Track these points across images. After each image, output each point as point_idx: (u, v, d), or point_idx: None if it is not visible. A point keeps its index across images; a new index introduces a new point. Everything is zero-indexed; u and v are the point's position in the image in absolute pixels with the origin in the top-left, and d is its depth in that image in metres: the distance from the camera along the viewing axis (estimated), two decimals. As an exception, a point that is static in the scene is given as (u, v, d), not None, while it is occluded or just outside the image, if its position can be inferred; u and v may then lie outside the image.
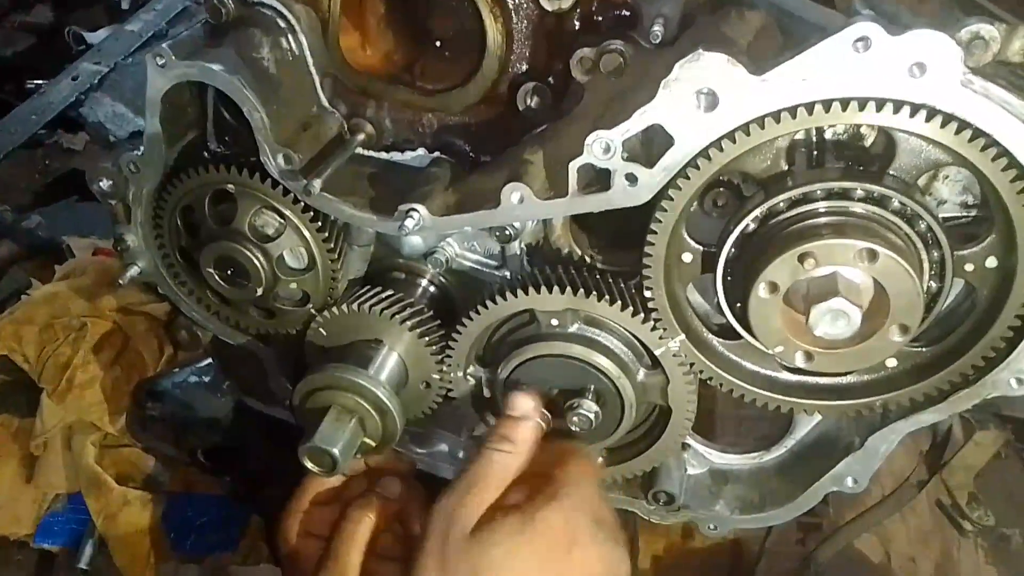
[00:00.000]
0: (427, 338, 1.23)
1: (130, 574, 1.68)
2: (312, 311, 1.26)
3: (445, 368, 1.25)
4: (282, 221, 1.20)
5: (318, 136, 1.16)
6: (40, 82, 2.69)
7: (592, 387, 1.17)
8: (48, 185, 2.65)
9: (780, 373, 1.15)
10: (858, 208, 0.96)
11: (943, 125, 0.89)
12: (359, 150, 1.20)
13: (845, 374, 1.12)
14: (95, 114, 2.40)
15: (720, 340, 1.15)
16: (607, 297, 1.11)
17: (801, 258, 0.94)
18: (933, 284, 1.01)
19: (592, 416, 1.16)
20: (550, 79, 1.11)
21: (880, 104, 0.88)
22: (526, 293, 1.13)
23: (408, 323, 1.22)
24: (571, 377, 1.18)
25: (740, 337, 1.09)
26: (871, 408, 1.12)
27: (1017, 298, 0.99)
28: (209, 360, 1.65)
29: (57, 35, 3.03)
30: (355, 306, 1.22)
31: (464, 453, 1.39)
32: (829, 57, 0.86)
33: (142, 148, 1.18)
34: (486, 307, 1.16)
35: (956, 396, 1.09)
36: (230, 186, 1.17)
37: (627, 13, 1.05)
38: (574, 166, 1.00)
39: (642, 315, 1.11)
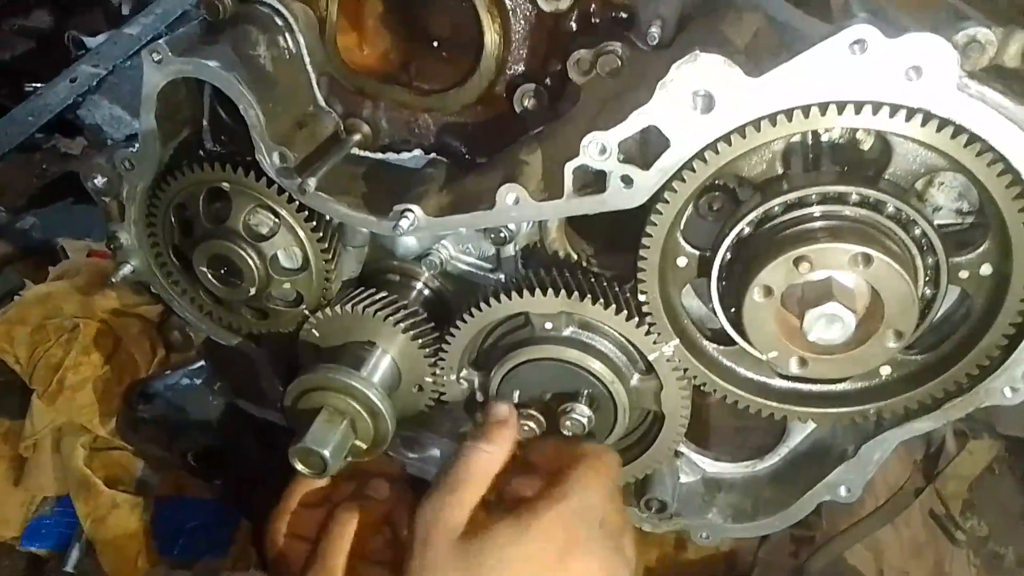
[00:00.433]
0: (420, 340, 1.22)
1: (117, 578, 1.66)
2: (305, 312, 1.26)
3: (438, 371, 1.24)
4: (276, 220, 1.19)
5: (314, 135, 1.16)
6: (38, 85, 2.69)
7: (585, 391, 1.17)
8: (44, 187, 2.65)
9: (774, 379, 1.14)
10: (853, 212, 0.96)
11: (939, 129, 0.89)
12: (355, 150, 1.20)
13: (839, 381, 1.12)
14: (93, 116, 2.41)
15: (714, 345, 1.14)
16: (601, 300, 1.11)
17: (796, 262, 0.94)
18: (928, 290, 1.00)
19: (585, 421, 1.15)
20: (547, 80, 1.11)
21: (876, 107, 0.88)
22: (520, 296, 1.12)
23: (402, 325, 1.21)
24: (565, 381, 1.17)
25: (734, 342, 1.09)
26: (865, 416, 1.12)
27: (1012, 306, 0.99)
28: (201, 363, 1.64)
29: (56, 40, 3.03)
30: (348, 307, 1.21)
31: (452, 457, 1.38)
32: (826, 59, 0.86)
33: (137, 145, 1.17)
34: (480, 309, 1.15)
35: (950, 404, 1.09)
36: (225, 184, 1.17)
37: (624, 15, 1.05)
38: (570, 167, 0.99)
39: (636, 319, 1.11)
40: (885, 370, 1.09)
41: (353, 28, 1.18)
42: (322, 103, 1.19)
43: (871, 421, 1.16)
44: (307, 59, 1.15)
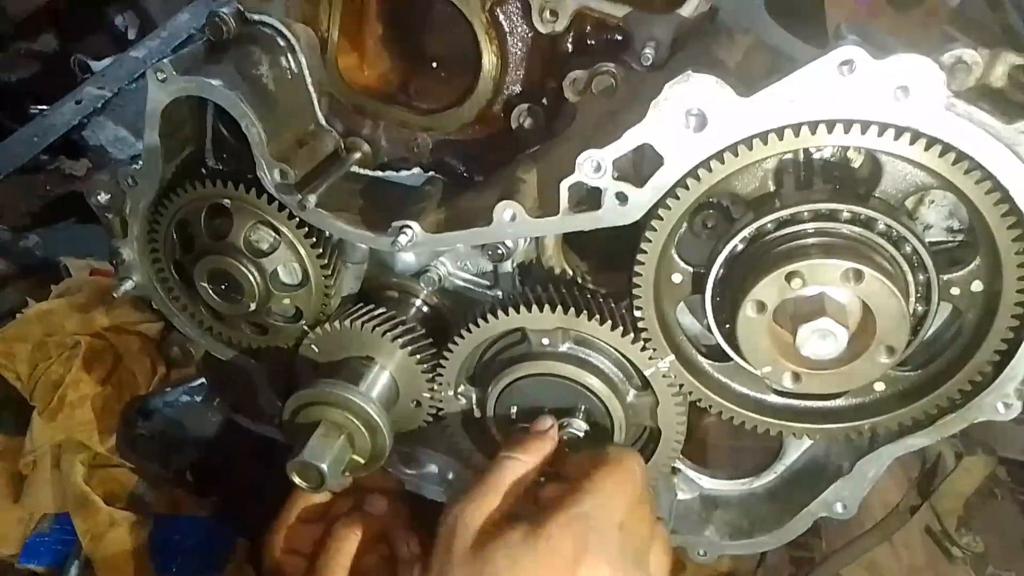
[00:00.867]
0: (418, 356, 1.24)
1: (115, 596, 1.66)
2: (304, 327, 1.27)
3: (436, 387, 1.25)
4: (277, 237, 1.21)
5: (314, 153, 1.18)
6: (44, 108, 2.72)
7: (582, 407, 1.17)
8: (47, 206, 2.67)
9: (769, 396, 1.15)
10: (845, 229, 0.97)
11: (927, 148, 0.90)
12: (355, 168, 1.22)
13: (833, 397, 1.13)
14: (97, 137, 2.43)
15: (710, 362, 1.15)
16: (598, 316, 1.12)
17: (788, 277, 0.95)
18: (920, 307, 1.01)
19: (581, 436, 1.16)
20: (543, 100, 1.13)
21: (865, 126, 0.90)
22: (517, 312, 1.14)
23: (400, 341, 1.22)
24: (562, 397, 1.18)
25: (729, 359, 1.10)
26: (859, 432, 1.12)
27: (1003, 322, 1.00)
28: (201, 380, 1.65)
29: (62, 63, 3.07)
30: (347, 323, 1.22)
31: (453, 474, 1.39)
32: (815, 79, 0.88)
33: (140, 162, 1.19)
34: (478, 325, 1.17)
35: (943, 420, 1.09)
36: (226, 201, 1.19)
37: (619, 37, 1.08)
38: (565, 184, 1.01)
39: (632, 335, 1.12)
40: (879, 386, 1.10)
41: (354, 49, 1.20)
42: (323, 122, 1.21)
43: (865, 437, 1.17)
44: (308, 79, 1.18)
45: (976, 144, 0.89)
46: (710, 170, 0.96)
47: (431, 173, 1.22)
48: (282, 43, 1.15)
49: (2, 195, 2.62)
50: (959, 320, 1.06)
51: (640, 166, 0.99)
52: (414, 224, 1.09)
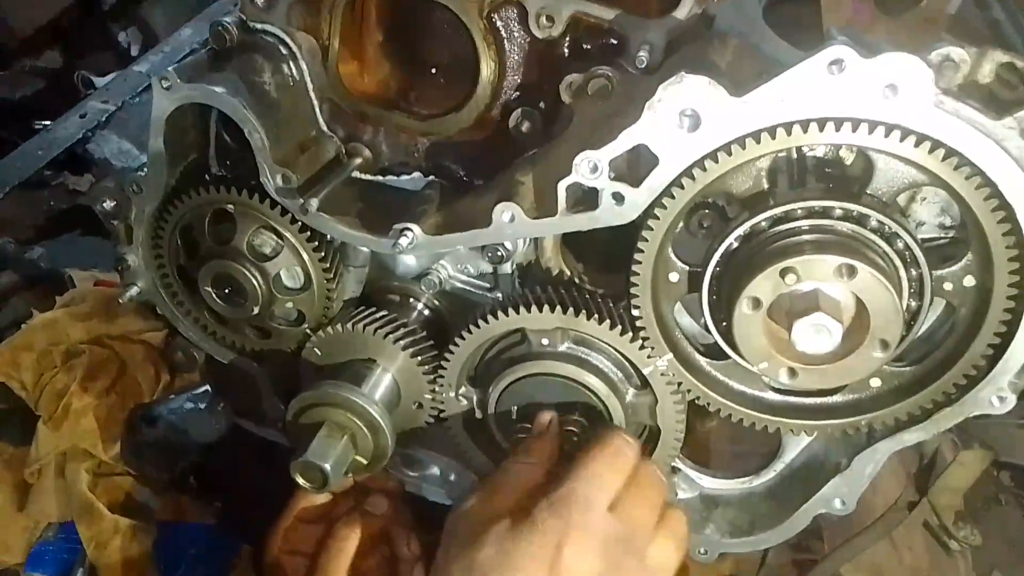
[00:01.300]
0: (420, 358, 1.25)
1: (119, 603, 1.66)
2: (307, 331, 1.28)
3: (437, 388, 1.26)
4: (279, 241, 1.23)
5: (316, 158, 1.20)
6: (48, 123, 2.75)
7: (581, 406, 1.19)
8: (51, 220, 2.69)
9: (766, 393, 1.16)
10: (838, 226, 0.99)
11: (917, 144, 0.92)
12: (356, 174, 1.24)
13: (830, 394, 1.14)
14: (101, 150, 2.45)
15: (708, 360, 1.17)
16: (596, 316, 1.14)
17: (783, 273, 0.97)
18: (913, 302, 1.03)
19: (581, 434, 1.17)
20: (541, 104, 1.15)
21: (855, 124, 0.92)
22: (517, 312, 1.15)
23: (401, 343, 1.24)
24: (562, 396, 1.19)
25: (727, 356, 1.11)
26: (856, 428, 1.13)
27: (995, 316, 1.01)
28: (205, 387, 1.66)
29: (66, 79, 3.10)
30: (350, 325, 1.24)
31: (454, 476, 1.40)
32: (805, 79, 0.90)
33: (145, 169, 1.21)
34: (478, 326, 1.18)
35: (939, 415, 1.10)
36: (230, 206, 1.21)
37: (614, 41, 1.09)
38: (563, 185, 1.03)
39: (630, 334, 1.14)
40: (875, 382, 1.11)
41: (354, 56, 1.22)
42: (324, 128, 1.23)
43: (862, 433, 1.18)
44: (310, 86, 1.20)
45: (965, 140, 0.90)
46: (704, 169, 0.98)
47: (431, 177, 1.24)
48: (284, 51, 1.17)
49: (7, 209, 2.65)
50: (953, 315, 1.07)
51: (636, 166, 1.01)
52: (414, 226, 1.11)
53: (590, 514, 0.96)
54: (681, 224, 1.08)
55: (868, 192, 1.00)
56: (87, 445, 1.76)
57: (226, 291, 1.25)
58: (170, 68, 1.12)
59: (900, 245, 0.99)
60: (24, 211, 2.74)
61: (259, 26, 1.16)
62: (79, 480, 1.74)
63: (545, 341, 1.18)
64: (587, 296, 1.18)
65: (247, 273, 1.22)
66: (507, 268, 1.22)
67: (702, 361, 1.17)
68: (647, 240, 1.04)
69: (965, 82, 0.93)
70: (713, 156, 0.97)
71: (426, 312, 1.33)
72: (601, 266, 1.24)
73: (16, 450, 1.83)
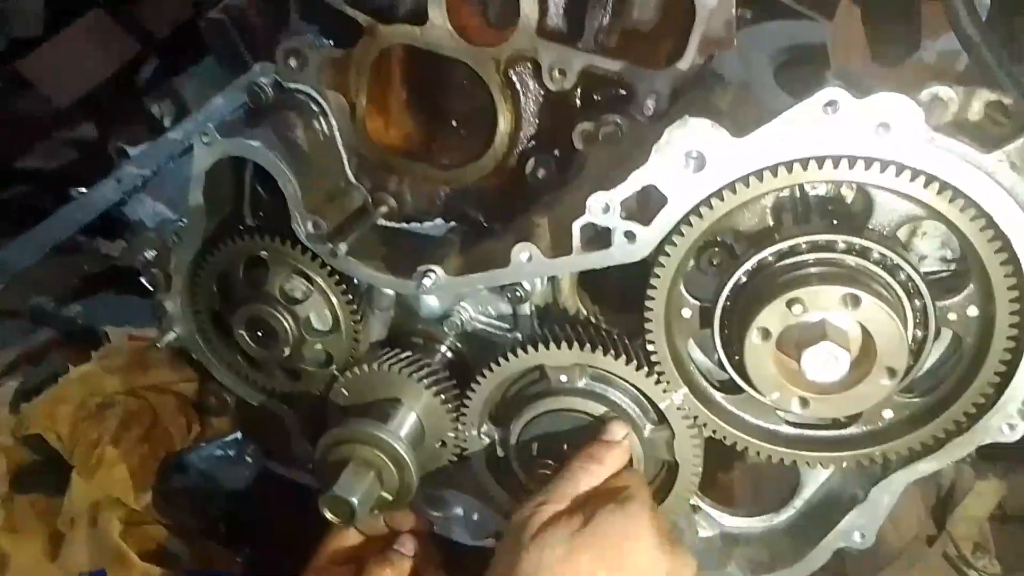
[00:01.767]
0: (443, 396, 1.29)
1: (148, 653, 1.68)
2: (335, 372, 1.34)
3: (460, 426, 1.30)
4: (310, 286, 1.29)
5: (344, 207, 1.27)
6: (83, 189, 2.86)
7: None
8: (85, 281, 2.78)
9: (781, 427, 1.19)
10: (841, 259, 1.03)
11: (912, 179, 0.97)
12: (381, 221, 1.31)
13: (844, 426, 1.17)
14: (136, 213, 2.56)
15: (723, 395, 1.20)
16: (613, 352, 1.18)
17: (789, 304, 1.01)
18: (918, 332, 1.06)
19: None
20: (555, 151, 1.22)
21: (852, 161, 0.97)
22: (536, 349, 1.20)
23: (425, 382, 1.28)
24: (581, 432, 1.22)
25: (742, 391, 1.15)
26: (871, 459, 1.16)
27: (999, 344, 1.05)
28: (235, 435, 1.71)
29: (101, 150, 3.23)
30: (376, 366, 1.29)
31: (477, 515, 1.42)
32: (802, 119, 0.96)
33: (185, 219, 1.29)
34: (499, 364, 1.23)
35: (951, 444, 1.12)
36: (264, 252, 1.28)
37: (623, 91, 1.16)
38: (577, 225, 1.09)
39: (646, 369, 1.17)
40: (887, 413, 1.14)
41: (380, 112, 1.31)
42: (352, 178, 1.30)
43: (877, 465, 1.20)
44: (339, 140, 1.28)
45: (958, 174, 0.95)
46: (711, 207, 1.03)
47: (452, 223, 1.30)
48: (315, 108, 1.25)
49: (44, 271, 2.75)
50: (959, 345, 1.10)
51: (646, 206, 1.06)
52: (437, 268, 1.17)
53: (647, 513, 1.08)
54: (692, 262, 1.13)
55: (869, 227, 1.05)
56: (119, 494, 1.80)
57: (259, 334, 1.31)
58: (210, 125, 1.20)
59: (903, 276, 1.03)
60: (60, 273, 2.83)
61: (292, 85, 1.25)
62: (111, 529, 1.76)
63: (564, 378, 1.22)
64: (604, 334, 1.22)
65: (279, 316, 1.28)
66: (526, 309, 1.27)
67: (717, 396, 1.20)
68: (659, 276, 1.09)
69: (956, 120, 0.99)
70: (719, 194, 1.02)
71: (449, 354, 1.37)
72: (617, 307, 1.29)
73: (50, 500, 1.87)
